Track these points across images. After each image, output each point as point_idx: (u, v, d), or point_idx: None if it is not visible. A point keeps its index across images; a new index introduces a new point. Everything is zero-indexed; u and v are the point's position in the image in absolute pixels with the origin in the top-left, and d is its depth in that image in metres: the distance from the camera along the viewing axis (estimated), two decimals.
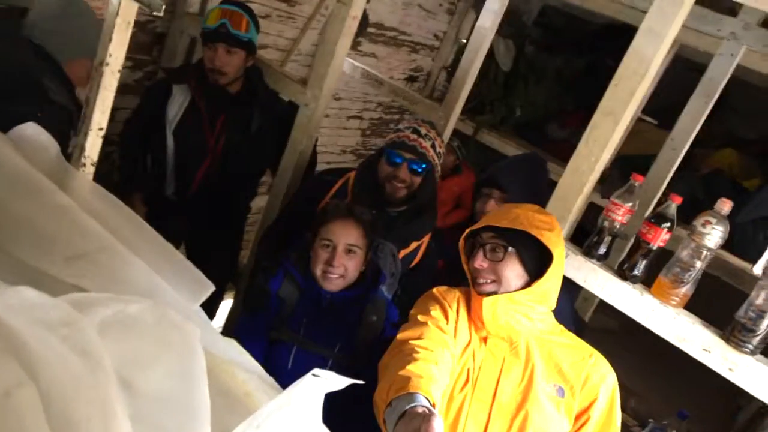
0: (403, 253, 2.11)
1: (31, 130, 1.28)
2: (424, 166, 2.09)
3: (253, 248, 2.66)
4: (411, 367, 1.28)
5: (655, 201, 2.81)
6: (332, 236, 1.81)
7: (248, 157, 2.58)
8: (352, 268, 1.83)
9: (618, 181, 3.37)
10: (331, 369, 1.72)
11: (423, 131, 2.12)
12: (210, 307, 2.81)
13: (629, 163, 3.70)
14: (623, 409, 3.87)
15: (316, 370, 0.79)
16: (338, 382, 0.81)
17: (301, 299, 1.82)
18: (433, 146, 2.12)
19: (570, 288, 1.81)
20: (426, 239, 2.16)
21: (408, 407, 1.15)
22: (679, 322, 1.63)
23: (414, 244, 2.13)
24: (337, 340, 1.79)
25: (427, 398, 1.19)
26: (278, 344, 1.78)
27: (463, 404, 1.47)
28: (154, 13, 1.03)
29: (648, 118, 4.04)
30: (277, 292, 1.81)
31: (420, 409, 1.13)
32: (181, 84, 2.49)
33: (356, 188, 2.12)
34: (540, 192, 2.24)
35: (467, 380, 1.48)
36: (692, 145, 4.34)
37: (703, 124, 4.58)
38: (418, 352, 1.34)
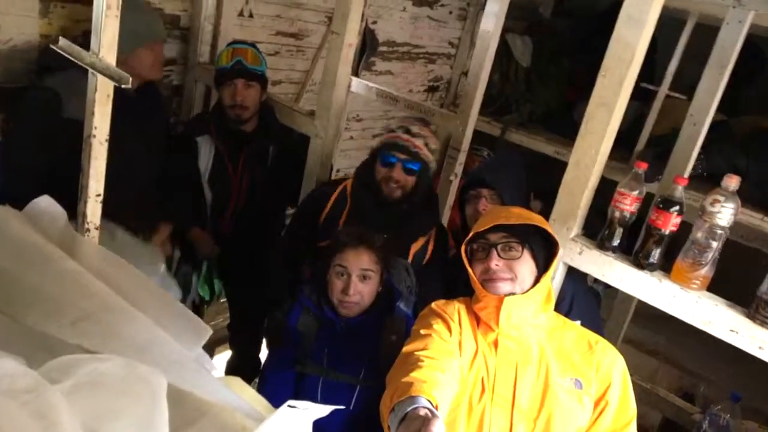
0: (413, 250, 2.13)
1: (44, 203, 1.38)
2: (418, 164, 2.11)
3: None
4: (414, 374, 1.30)
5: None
6: (346, 263, 1.85)
7: (270, 190, 2.69)
8: (367, 294, 1.86)
9: (655, 164, 3.30)
10: (358, 395, 1.79)
11: (415, 130, 2.15)
12: (254, 343, 2.92)
13: (663, 143, 3.61)
14: (693, 396, 3.76)
15: (291, 401, 0.83)
16: (318, 410, 0.85)
17: (319, 331, 1.86)
18: (426, 144, 2.15)
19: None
20: (433, 234, 2.18)
21: (409, 409, 1.17)
22: (702, 305, 1.60)
23: (421, 239, 2.15)
24: (360, 366, 1.83)
25: (429, 401, 1.20)
26: (305, 377, 1.83)
27: (484, 414, 1.48)
28: (123, 86, 1.11)
29: (677, 94, 3.92)
30: (295, 326, 1.86)
31: (421, 411, 1.15)
32: (203, 135, 2.61)
33: (354, 192, 2.16)
34: (523, 186, 2.27)
35: (483, 389, 1.49)
36: (732, 114, 4.21)
37: (743, 91, 4.44)
38: (422, 361, 1.36)
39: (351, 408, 1.79)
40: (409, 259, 2.14)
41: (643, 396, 2.75)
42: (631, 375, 2.52)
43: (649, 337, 3.93)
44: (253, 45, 2.67)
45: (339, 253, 1.87)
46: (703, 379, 3.74)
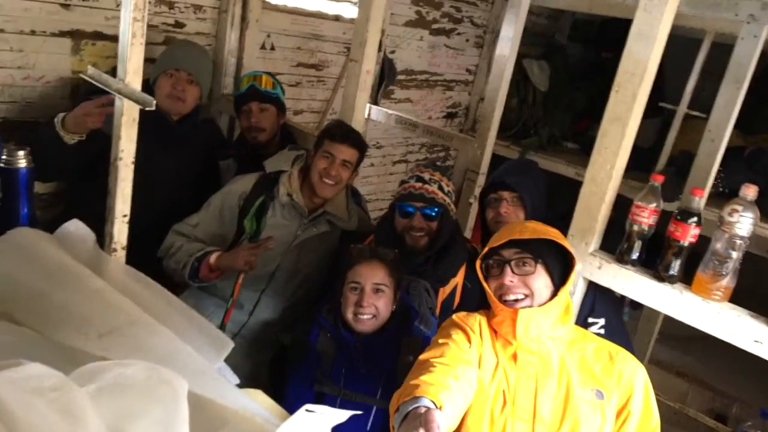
0: (441, 296, 2.13)
1: (73, 226, 1.44)
2: (436, 210, 2.12)
3: None
4: (423, 377, 1.31)
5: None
6: (359, 278, 1.87)
7: None
8: (383, 307, 1.86)
9: (675, 181, 3.29)
10: (375, 415, 1.79)
11: (426, 177, 2.17)
12: None
13: (683, 162, 3.61)
14: (726, 417, 3.66)
15: (308, 405, 0.85)
16: (336, 415, 0.87)
17: (337, 351, 1.87)
18: (440, 188, 2.16)
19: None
20: (460, 279, 2.18)
21: (411, 408, 1.18)
22: (725, 316, 1.59)
23: (452, 282, 2.15)
24: (377, 386, 1.82)
25: (433, 401, 1.21)
26: (324, 396, 1.83)
27: (506, 426, 1.47)
28: (147, 108, 1.17)
29: (696, 113, 3.91)
30: (314, 346, 1.88)
31: (422, 410, 1.16)
32: (226, 159, 2.69)
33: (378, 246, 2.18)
34: (542, 188, 2.26)
35: (505, 402, 1.49)
36: (754, 132, 4.18)
37: (762, 110, 4.41)
38: (435, 366, 1.36)
39: (368, 429, 1.79)
40: (438, 304, 2.13)
41: (672, 417, 2.71)
42: (660, 396, 2.49)
43: (678, 358, 3.86)
44: (268, 73, 2.77)
45: (352, 270, 1.89)
46: (736, 399, 3.65)
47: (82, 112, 1.96)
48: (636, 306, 3.21)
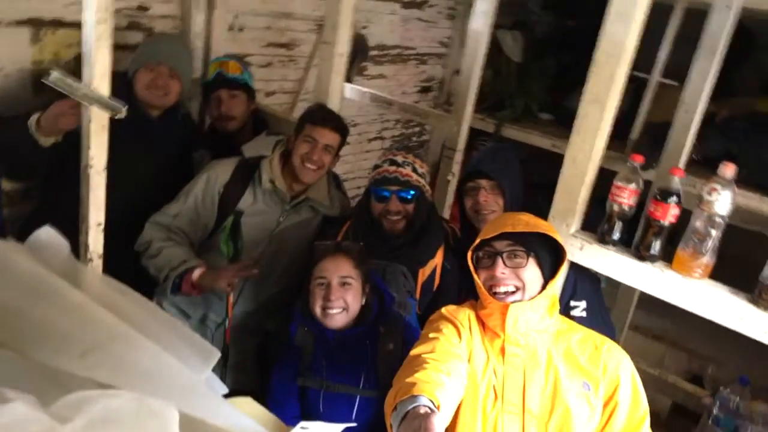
0: (421, 278, 2.13)
1: (45, 235, 1.39)
2: (412, 192, 2.12)
3: None
4: (418, 375, 1.31)
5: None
6: (325, 273, 1.86)
7: None
8: (351, 300, 1.85)
9: (651, 150, 3.30)
10: (359, 405, 1.80)
11: (400, 159, 2.15)
12: None
13: (658, 131, 3.62)
14: (702, 378, 3.76)
15: (303, 423, 0.84)
16: (329, 429, 0.86)
17: (315, 344, 1.87)
18: (414, 170, 2.15)
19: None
20: (439, 260, 2.18)
21: (410, 408, 1.18)
22: (706, 293, 1.61)
23: (431, 263, 2.15)
24: (358, 376, 1.83)
25: (431, 401, 1.21)
26: (308, 390, 1.83)
27: (497, 421, 1.48)
28: (117, 116, 1.12)
29: (669, 81, 3.92)
30: (294, 342, 1.87)
31: (422, 410, 1.16)
32: (198, 150, 2.62)
33: (356, 232, 2.16)
34: (519, 174, 2.27)
35: (496, 397, 1.50)
36: (722, 97, 4.20)
37: (737, 73, 4.43)
38: (428, 363, 1.36)
39: (353, 417, 1.80)
40: (418, 287, 2.13)
41: (651, 382, 2.76)
42: (638, 361, 2.53)
43: (655, 322, 3.93)
44: (235, 57, 2.72)
45: (317, 266, 1.88)
46: (711, 360, 3.74)
47: (55, 111, 1.88)
48: None
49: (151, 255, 2.14)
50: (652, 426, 1.55)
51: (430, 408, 1.19)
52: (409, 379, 1.30)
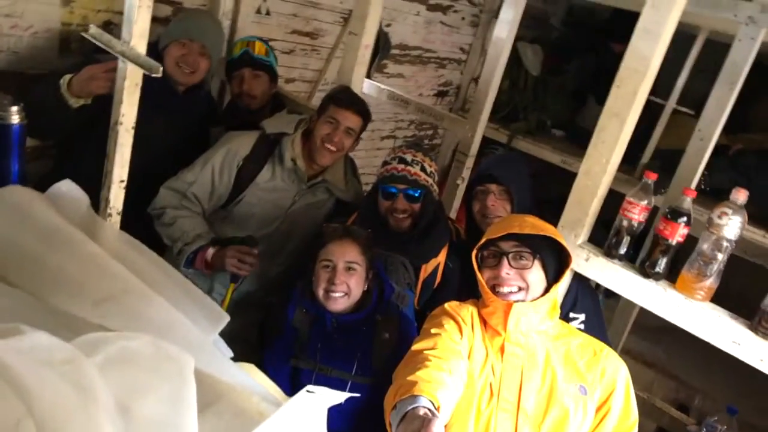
0: (423, 274, 2.14)
1: (65, 187, 1.41)
2: (419, 191, 2.13)
3: None
4: (420, 373, 1.31)
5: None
6: (331, 256, 1.87)
7: None
8: (354, 286, 1.86)
9: (659, 176, 3.32)
10: (350, 390, 1.80)
11: (409, 158, 2.16)
12: None
13: (668, 157, 3.65)
14: (688, 408, 3.77)
15: (310, 387, 0.86)
16: (334, 396, 0.88)
17: (312, 326, 1.88)
18: (423, 169, 2.16)
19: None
20: (443, 258, 2.19)
21: (410, 408, 1.19)
22: (706, 315, 1.62)
23: (434, 261, 2.16)
24: (351, 362, 1.84)
25: (431, 401, 1.22)
26: (300, 371, 1.85)
27: (490, 418, 1.50)
28: (153, 74, 1.14)
29: (684, 109, 3.96)
30: (291, 322, 1.88)
31: (421, 411, 1.17)
32: (218, 126, 2.65)
33: (362, 226, 2.17)
34: (527, 182, 2.28)
35: (491, 394, 1.51)
36: (743, 131, 4.22)
37: (752, 110, 4.47)
38: (429, 360, 1.37)
39: (343, 402, 1.81)
40: (419, 283, 2.14)
41: (639, 405, 2.77)
42: None
43: (648, 349, 3.96)
44: (262, 39, 2.73)
45: (324, 248, 1.89)
46: (699, 391, 3.76)
47: (88, 75, 1.90)
48: (609, 294, 3.29)
49: (165, 223, 2.16)
50: None
51: (429, 409, 1.19)
52: (410, 378, 1.30)
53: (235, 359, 1.71)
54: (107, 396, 0.67)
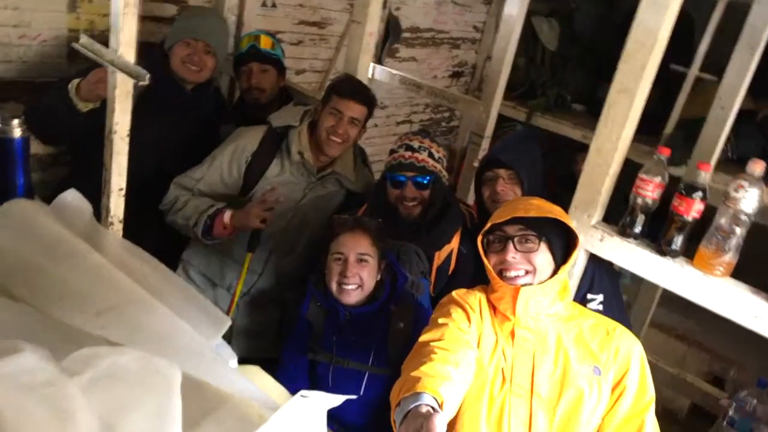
0: (437, 261, 2.12)
1: (70, 197, 1.43)
2: (428, 178, 2.11)
3: None
4: (424, 368, 1.30)
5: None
6: (343, 248, 1.86)
7: None
8: (367, 277, 1.86)
9: (683, 146, 3.23)
10: (368, 381, 1.81)
11: (416, 145, 2.14)
12: None
13: (693, 127, 3.54)
14: (723, 381, 3.70)
15: (303, 392, 0.85)
16: (330, 399, 0.88)
17: (327, 319, 1.89)
18: (430, 155, 2.13)
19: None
20: (456, 244, 2.17)
21: (412, 406, 1.18)
22: (726, 291, 1.58)
23: (447, 248, 2.14)
24: (368, 353, 1.84)
25: (434, 398, 1.21)
26: (318, 364, 1.86)
27: (504, 404, 1.48)
28: (140, 83, 1.14)
29: (708, 75, 3.82)
30: (306, 316, 1.89)
31: (424, 409, 1.16)
32: (228, 124, 2.66)
33: (371, 217, 2.16)
34: (539, 163, 2.23)
35: (504, 380, 1.50)
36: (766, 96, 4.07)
37: None
38: (435, 353, 1.36)
39: (361, 394, 1.82)
40: (434, 270, 2.13)
41: (670, 381, 2.73)
42: (658, 360, 2.48)
43: (678, 322, 3.88)
44: (268, 32, 2.73)
45: (335, 240, 1.89)
46: (734, 363, 3.68)
47: (95, 78, 1.92)
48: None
49: (177, 209, 2.18)
50: (669, 425, 1.54)
51: (432, 407, 1.18)
52: (414, 373, 1.29)
53: (254, 356, 1.73)
54: (90, 417, 0.68)
